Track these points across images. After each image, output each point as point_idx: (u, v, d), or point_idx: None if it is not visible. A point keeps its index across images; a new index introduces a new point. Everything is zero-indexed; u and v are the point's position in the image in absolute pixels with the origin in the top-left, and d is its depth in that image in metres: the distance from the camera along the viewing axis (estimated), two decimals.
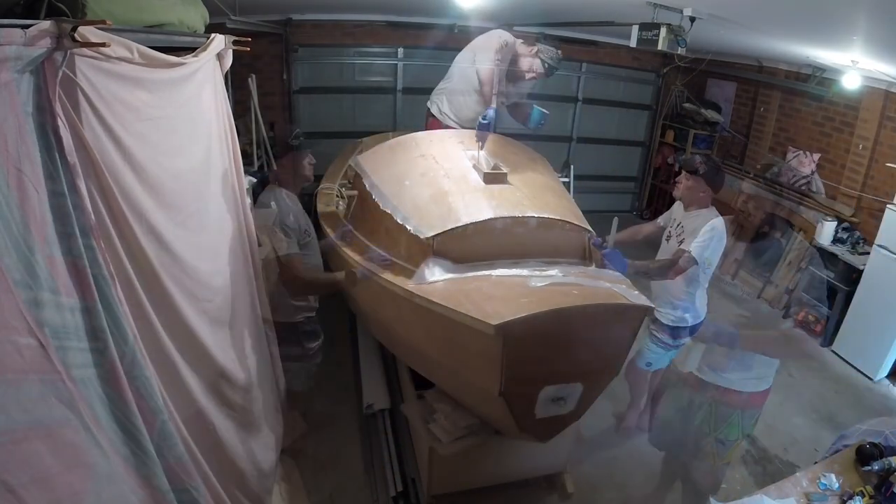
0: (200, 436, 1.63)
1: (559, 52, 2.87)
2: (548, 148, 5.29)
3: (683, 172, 2.49)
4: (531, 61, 2.87)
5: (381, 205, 2.28)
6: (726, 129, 5.77)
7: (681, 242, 2.46)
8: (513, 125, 5.98)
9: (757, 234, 5.02)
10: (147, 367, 1.29)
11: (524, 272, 1.92)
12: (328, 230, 2.63)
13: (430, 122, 3.26)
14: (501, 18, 5.05)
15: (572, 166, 4.98)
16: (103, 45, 1.10)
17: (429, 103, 3.31)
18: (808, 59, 4.23)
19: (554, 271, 1.91)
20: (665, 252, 2.61)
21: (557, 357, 1.75)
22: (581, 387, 1.82)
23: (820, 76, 4.39)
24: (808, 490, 1.77)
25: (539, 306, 1.62)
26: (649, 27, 2.95)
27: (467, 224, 2.00)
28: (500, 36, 2.92)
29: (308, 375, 2.56)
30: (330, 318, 3.86)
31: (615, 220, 2.19)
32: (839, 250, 3.98)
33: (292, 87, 5.20)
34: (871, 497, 1.71)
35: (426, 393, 2.39)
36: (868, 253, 3.77)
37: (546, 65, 2.84)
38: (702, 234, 2.36)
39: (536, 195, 2.24)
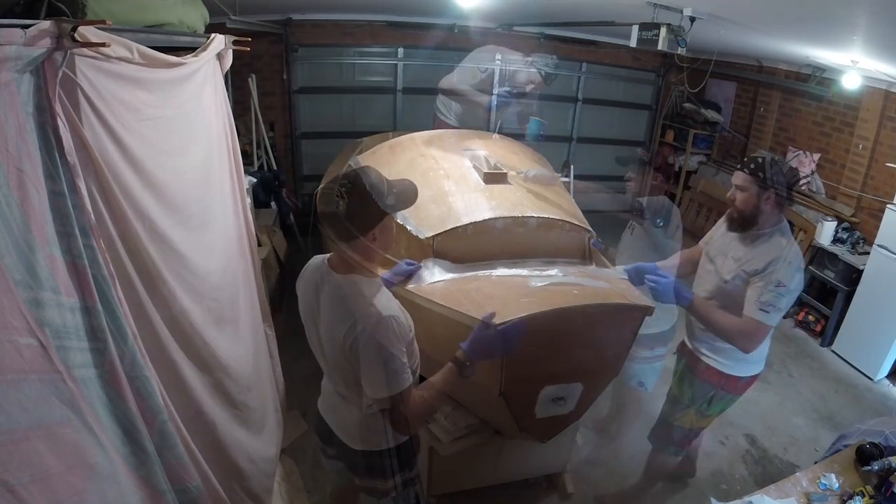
0: (201, 435, 1.63)
1: (554, 57, 2.85)
2: (548, 148, 5.30)
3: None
4: (528, 73, 2.85)
5: None
6: (726, 128, 5.76)
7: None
8: (513, 125, 5.97)
9: None
10: (147, 367, 1.29)
11: (524, 272, 1.91)
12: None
13: (438, 123, 3.29)
14: (501, 18, 5.05)
15: (572, 166, 4.98)
16: (103, 45, 1.10)
17: (435, 105, 3.35)
18: (808, 59, 4.23)
19: (554, 271, 1.91)
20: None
21: (557, 357, 1.75)
22: (581, 387, 1.82)
23: (820, 76, 4.39)
24: (808, 490, 1.77)
25: (539, 306, 1.62)
26: (649, 27, 2.95)
27: (467, 224, 2.00)
28: (487, 51, 2.91)
29: None
30: None
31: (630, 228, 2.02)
32: (839, 250, 3.97)
33: (292, 87, 5.20)
34: (871, 497, 1.71)
35: None
36: (868, 253, 3.77)
37: (543, 73, 2.82)
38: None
39: (536, 195, 2.24)
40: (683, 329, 2.23)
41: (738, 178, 1.87)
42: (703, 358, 2.04)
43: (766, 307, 1.76)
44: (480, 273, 1.93)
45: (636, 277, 1.98)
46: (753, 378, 2.06)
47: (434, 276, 1.89)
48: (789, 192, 1.85)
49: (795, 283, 1.80)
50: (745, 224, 1.88)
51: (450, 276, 1.90)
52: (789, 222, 4.62)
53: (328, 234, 1.31)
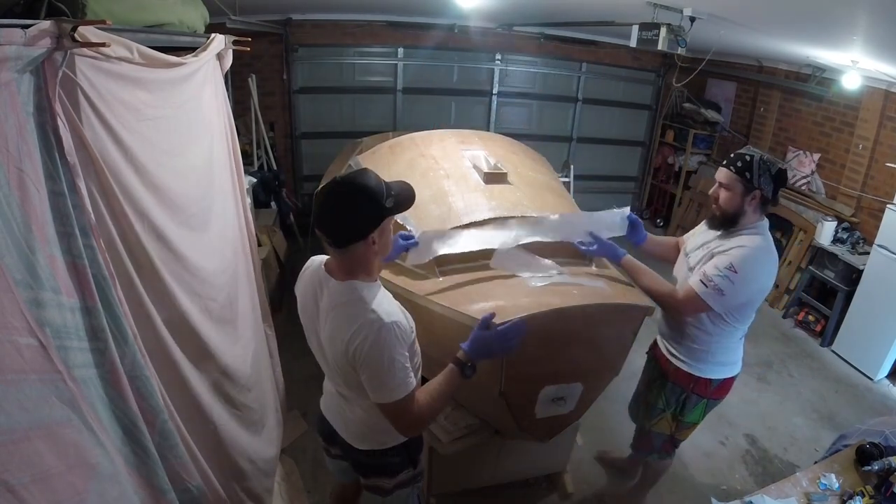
0: (201, 435, 1.63)
1: None
2: (548, 148, 5.31)
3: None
4: None
5: None
6: (726, 128, 5.76)
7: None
8: (513, 125, 5.98)
9: None
10: (147, 367, 1.29)
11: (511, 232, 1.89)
12: None
13: None
14: (501, 18, 5.06)
15: (572, 166, 4.99)
16: (103, 44, 1.10)
17: None
18: (808, 59, 4.23)
19: (553, 271, 1.90)
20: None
21: (558, 357, 1.75)
22: (581, 387, 1.82)
23: (820, 76, 4.39)
24: (808, 490, 1.77)
25: (539, 306, 1.62)
26: (649, 27, 2.95)
27: (467, 224, 2.00)
28: None
29: None
30: None
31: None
32: (839, 250, 3.97)
33: (292, 87, 5.20)
34: (871, 497, 1.71)
35: None
36: (868, 253, 3.77)
37: None
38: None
39: (536, 195, 2.24)
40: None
41: (722, 174, 1.76)
42: (672, 359, 1.98)
43: (706, 281, 1.69)
44: (473, 236, 1.90)
45: (620, 225, 2.03)
46: (728, 381, 1.96)
47: (431, 248, 1.85)
48: (776, 194, 1.73)
49: (750, 275, 1.68)
50: (725, 224, 1.79)
51: (447, 246, 1.87)
52: (789, 222, 4.47)
53: (325, 239, 1.30)
